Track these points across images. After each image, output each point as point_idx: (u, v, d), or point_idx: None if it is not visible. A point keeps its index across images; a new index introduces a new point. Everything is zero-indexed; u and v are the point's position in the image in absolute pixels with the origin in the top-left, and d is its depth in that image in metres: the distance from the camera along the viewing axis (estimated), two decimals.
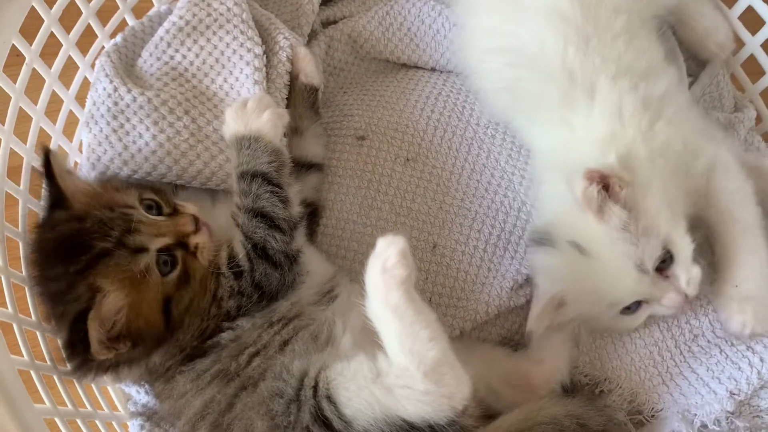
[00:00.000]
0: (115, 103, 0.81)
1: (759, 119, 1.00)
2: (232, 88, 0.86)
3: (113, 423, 0.81)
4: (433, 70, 1.02)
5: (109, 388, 0.85)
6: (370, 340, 0.61)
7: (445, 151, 0.94)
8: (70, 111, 0.90)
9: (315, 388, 0.60)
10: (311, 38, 1.03)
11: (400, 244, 0.59)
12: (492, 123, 0.96)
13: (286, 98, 0.90)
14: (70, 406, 0.72)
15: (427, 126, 0.95)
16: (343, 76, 1.04)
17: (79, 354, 0.65)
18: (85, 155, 0.83)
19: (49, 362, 0.73)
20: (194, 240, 0.71)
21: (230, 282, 0.71)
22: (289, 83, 0.90)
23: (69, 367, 0.66)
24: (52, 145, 0.87)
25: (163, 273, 0.68)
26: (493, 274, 0.87)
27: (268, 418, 0.62)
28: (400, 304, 0.57)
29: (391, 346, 0.58)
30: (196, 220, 0.72)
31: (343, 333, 0.69)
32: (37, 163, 0.79)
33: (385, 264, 0.58)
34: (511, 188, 0.92)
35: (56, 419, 0.67)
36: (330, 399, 0.59)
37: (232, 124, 0.74)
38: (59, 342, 0.69)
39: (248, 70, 0.86)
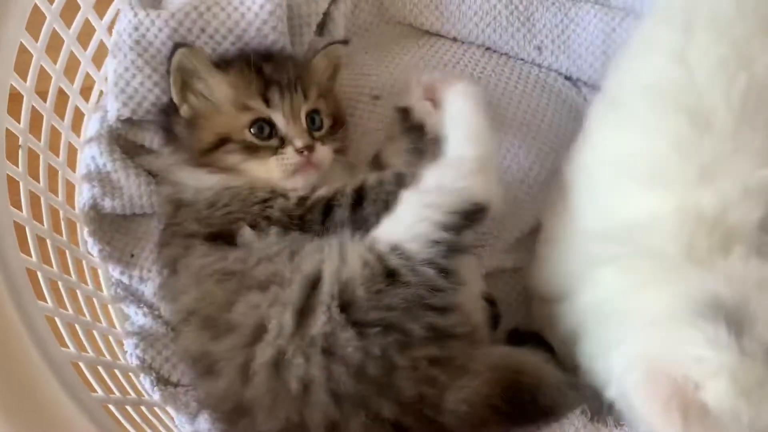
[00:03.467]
0: (136, 29, 0.85)
1: None
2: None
3: (110, 338, 0.85)
4: (454, 39, 1.04)
5: (110, 308, 0.90)
6: None
7: None
8: (101, 41, 0.93)
9: (378, 253, 0.67)
10: None
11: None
12: (505, 97, 0.98)
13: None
14: (71, 311, 0.76)
15: None
16: (367, 37, 1.06)
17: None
18: (112, 81, 0.87)
19: (55, 268, 0.78)
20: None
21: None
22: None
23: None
24: (80, 73, 0.91)
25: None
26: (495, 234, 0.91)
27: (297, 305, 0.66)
28: (475, 112, 0.74)
29: (455, 138, 0.73)
30: None
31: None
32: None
33: (466, 88, 0.76)
34: (515, 161, 0.94)
35: (57, 319, 0.71)
36: (396, 248, 0.67)
37: None
38: None
39: None
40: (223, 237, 0.74)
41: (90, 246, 0.88)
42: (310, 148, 0.77)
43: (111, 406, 0.71)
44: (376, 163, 0.88)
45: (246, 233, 0.73)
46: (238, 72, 0.80)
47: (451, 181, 0.68)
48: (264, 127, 0.77)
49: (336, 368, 0.63)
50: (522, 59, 1.04)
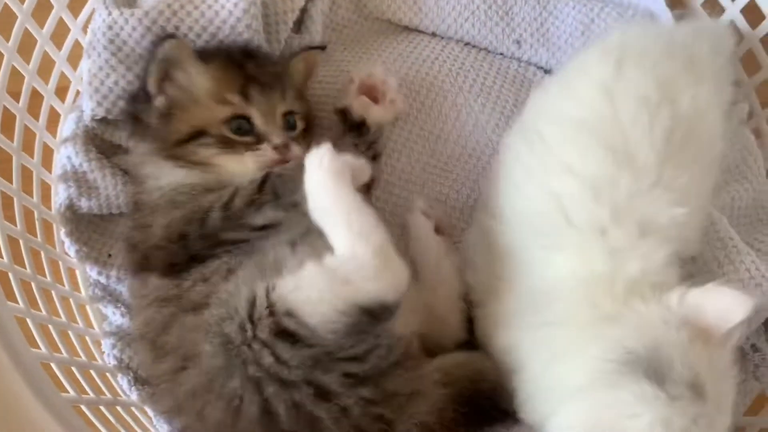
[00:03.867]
0: (110, 27, 0.84)
1: (750, 115, 1.00)
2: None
3: (87, 339, 0.84)
4: (433, 35, 1.04)
5: (88, 308, 0.89)
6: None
7: (435, 114, 0.95)
8: (76, 41, 0.93)
9: (270, 307, 0.62)
10: None
11: (330, 148, 0.65)
12: (483, 93, 0.98)
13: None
14: (44, 312, 0.76)
15: (420, 88, 0.96)
16: (345, 33, 1.05)
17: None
18: (86, 80, 0.87)
19: (28, 269, 0.77)
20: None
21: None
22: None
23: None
24: (55, 73, 0.91)
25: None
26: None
27: (218, 340, 0.64)
28: (340, 193, 0.63)
29: (338, 235, 0.63)
30: None
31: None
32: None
33: (321, 161, 0.65)
34: (494, 157, 0.93)
35: (28, 320, 0.71)
36: (291, 314, 0.61)
37: None
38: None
39: None
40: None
41: (67, 246, 0.88)
42: (286, 146, 0.77)
43: (84, 407, 0.71)
44: None
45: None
46: (219, 66, 0.79)
47: (358, 279, 0.61)
48: (242, 124, 0.77)
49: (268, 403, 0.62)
50: (501, 54, 1.03)
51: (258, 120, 0.77)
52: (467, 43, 1.03)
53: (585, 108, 0.73)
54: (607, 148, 0.69)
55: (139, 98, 0.81)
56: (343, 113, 0.87)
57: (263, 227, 0.72)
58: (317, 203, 0.65)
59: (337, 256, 0.62)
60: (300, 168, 0.68)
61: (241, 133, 0.77)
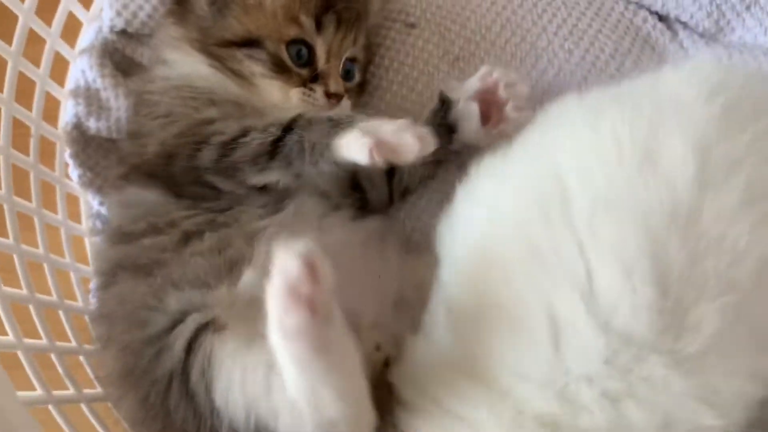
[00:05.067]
0: None
1: None
2: None
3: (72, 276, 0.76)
4: None
5: (86, 242, 0.80)
6: None
7: (507, 57, 0.77)
8: None
9: (192, 346, 0.49)
10: None
11: (305, 258, 0.41)
12: (573, 37, 0.78)
13: None
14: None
15: (492, 23, 0.78)
16: None
17: None
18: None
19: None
20: None
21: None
22: None
23: None
24: None
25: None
26: None
27: (126, 326, 0.54)
28: (303, 358, 0.42)
29: (289, 385, 0.44)
30: None
31: (252, 264, 0.55)
32: None
33: (282, 317, 0.42)
34: None
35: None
36: (206, 377, 0.48)
37: None
38: None
39: None
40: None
41: (70, 170, 0.79)
42: (338, 97, 0.67)
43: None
44: None
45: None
46: None
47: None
48: (302, 52, 0.66)
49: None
50: None
51: (321, 55, 0.67)
52: None
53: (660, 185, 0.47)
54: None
55: None
56: (445, 104, 0.68)
57: (261, 188, 0.61)
58: (274, 344, 0.44)
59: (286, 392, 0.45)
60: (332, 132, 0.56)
61: (298, 61, 0.66)
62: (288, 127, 0.59)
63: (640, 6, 0.81)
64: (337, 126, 0.56)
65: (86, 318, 0.71)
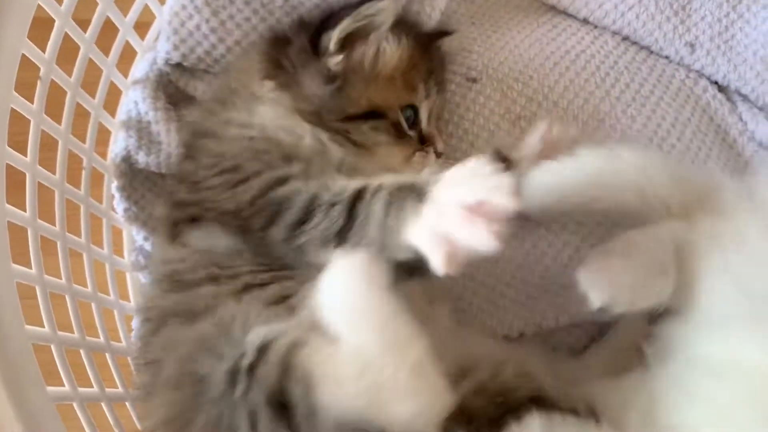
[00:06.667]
0: None
1: None
2: None
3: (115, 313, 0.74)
4: (585, 21, 0.84)
5: (128, 276, 0.79)
6: None
7: (569, 119, 0.77)
8: None
9: (286, 366, 0.46)
10: None
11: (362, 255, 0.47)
12: (636, 103, 0.78)
13: None
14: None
15: (555, 84, 0.78)
16: (477, 4, 0.87)
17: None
18: (166, 19, 0.75)
19: (58, 225, 0.67)
20: None
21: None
22: None
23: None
24: (137, 3, 0.79)
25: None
26: None
27: (183, 372, 0.51)
28: (375, 302, 0.45)
29: (366, 343, 0.44)
30: None
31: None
32: None
33: (354, 265, 0.46)
34: None
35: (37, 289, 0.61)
36: (309, 384, 0.45)
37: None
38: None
39: None
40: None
41: (115, 203, 0.77)
42: (441, 156, 0.69)
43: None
44: None
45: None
46: (414, 46, 0.69)
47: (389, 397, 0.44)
48: (410, 116, 0.68)
49: None
50: (667, 57, 0.82)
51: (424, 117, 0.69)
52: (625, 38, 0.83)
53: None
54: None
55: (283, 43, 0.68)
56: (503, 160, 0.67)
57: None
58: (341, 305, 0.47)
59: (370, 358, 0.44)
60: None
61: (410, 125, 0.68)
62: (353, 205, 0.54)
63: (701, 75, 0.81)
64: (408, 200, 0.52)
65: (130, 360, 0.70)
